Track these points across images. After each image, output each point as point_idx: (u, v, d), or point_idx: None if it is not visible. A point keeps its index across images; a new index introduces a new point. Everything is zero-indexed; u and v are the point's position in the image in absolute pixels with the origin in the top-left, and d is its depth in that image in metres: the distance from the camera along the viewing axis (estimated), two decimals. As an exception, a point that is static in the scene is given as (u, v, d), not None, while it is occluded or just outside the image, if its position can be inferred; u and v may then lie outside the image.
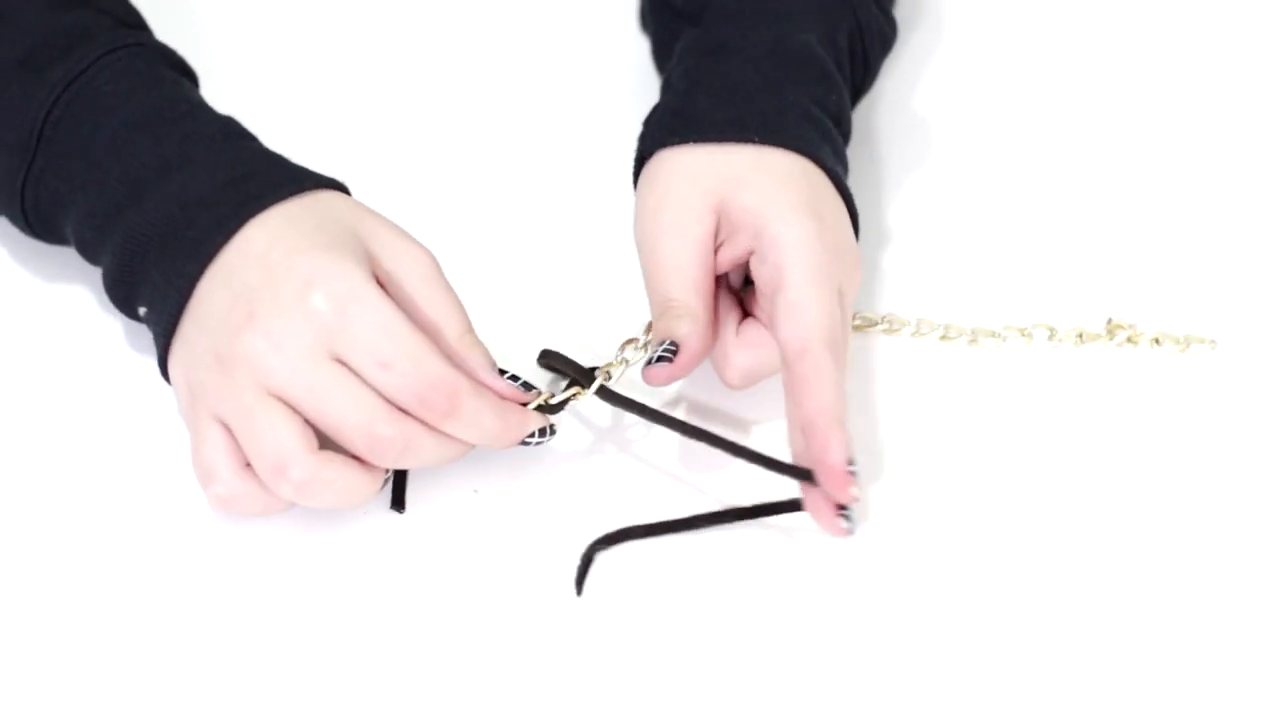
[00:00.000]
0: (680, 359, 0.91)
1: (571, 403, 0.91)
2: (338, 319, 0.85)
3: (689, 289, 0.91)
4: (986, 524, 0.91)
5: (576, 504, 0.91)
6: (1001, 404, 0.96)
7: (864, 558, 0.89)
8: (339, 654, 0.87)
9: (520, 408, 0.89)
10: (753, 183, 0.92)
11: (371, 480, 0.88)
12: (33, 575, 0.89)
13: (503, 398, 0.89)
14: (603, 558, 0.89)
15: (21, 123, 0.93)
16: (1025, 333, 0.98)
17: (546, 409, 0.90)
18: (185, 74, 0.97)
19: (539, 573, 0.89)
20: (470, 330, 0.89)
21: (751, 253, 0.92)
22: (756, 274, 0.92)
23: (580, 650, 0.87)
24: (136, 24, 0.97)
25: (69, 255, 0.96)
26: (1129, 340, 0.98)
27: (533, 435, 0.90)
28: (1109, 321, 0.98)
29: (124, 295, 0.92)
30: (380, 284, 0.87)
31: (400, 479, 0.91)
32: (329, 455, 0.86)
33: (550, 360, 0.92)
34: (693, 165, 0.93)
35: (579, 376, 0.91)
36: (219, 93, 0.98)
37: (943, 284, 1.01)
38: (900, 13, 1.09)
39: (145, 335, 0.92)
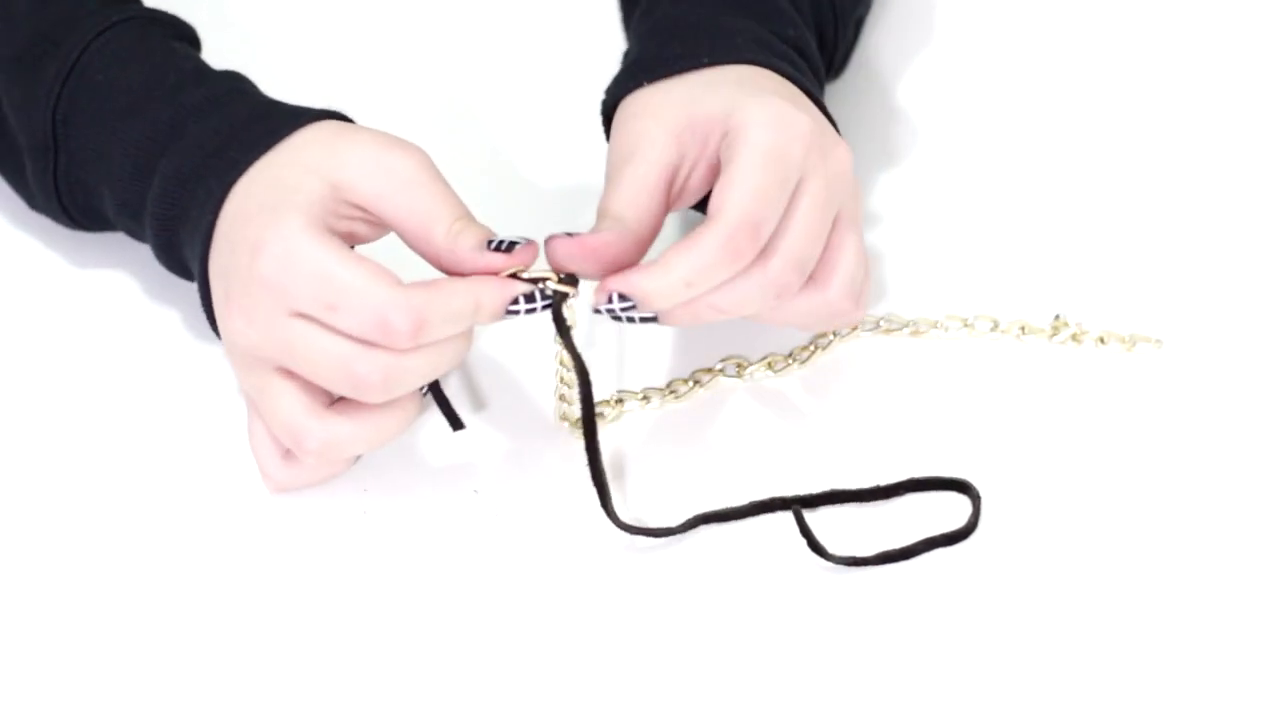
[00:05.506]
0: (584, 240, 0.88)
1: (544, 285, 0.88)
2: (283, 276, 0.86)
3: (626, 203, 0.89)
4: (923, 520, 0.90)
5: (576, 504, 0.91)
6: (945, 399, 0.95)
7: (808, 558, 0.89)
8: (338, 655, 0.87)
9: (494, 279, 0.87)
10: (713, 89, 0.90)
11: (394, 416, 0.88)
12: (42, 572, 0.90)
13: (491, 273, 0.87)
14: (601, 558, 0.89)
15: (34, 125, 0.94)
16: (968, 324, 0.98)
17: (518, 278, 0.88)
18: (179, 33, 0.97)
19: (539, 573, 0.89)
20: (462, 216, 0.88)
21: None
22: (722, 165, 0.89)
23: (580, 651, 0.87)
24: None
25: (105, 243, 0.99)
26: (1073, 338, 0.97)
27: (518, 302, 0.87)
28: (1056, 318, 0.97)
29: (181, 273, 0.94)
30: (366, 209, 0.88)
31: (442, 399, 0.91)
32: (337, 413, 0.88)
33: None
34: (651, 101, 0.91)
35: (564, 276, 0.88)
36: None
37: (889, 278, 1.00)
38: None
39: (192, 321, 0.97)
